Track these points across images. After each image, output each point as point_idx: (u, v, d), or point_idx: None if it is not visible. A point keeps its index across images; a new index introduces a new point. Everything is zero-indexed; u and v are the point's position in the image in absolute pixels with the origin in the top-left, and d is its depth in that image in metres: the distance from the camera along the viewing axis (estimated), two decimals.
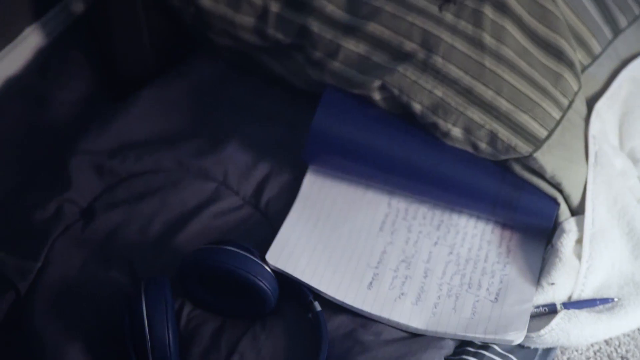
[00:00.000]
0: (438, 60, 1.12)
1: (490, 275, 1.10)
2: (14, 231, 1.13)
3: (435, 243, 1.14)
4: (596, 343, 1.13)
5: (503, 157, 1.11)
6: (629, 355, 1.12)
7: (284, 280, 1.07)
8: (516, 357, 1.05)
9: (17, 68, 1.32)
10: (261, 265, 1.04)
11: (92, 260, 1.11)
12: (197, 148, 1.21)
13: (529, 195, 1.12)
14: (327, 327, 1.04)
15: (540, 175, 1.11)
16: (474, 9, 1.14)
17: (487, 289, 1.09)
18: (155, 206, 1.15)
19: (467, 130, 1.10)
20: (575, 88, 1.14)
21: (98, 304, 1.07)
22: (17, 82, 1.31)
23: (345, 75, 1.15)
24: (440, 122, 1.11)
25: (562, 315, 1.04)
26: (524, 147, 1.09)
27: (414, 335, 1.06)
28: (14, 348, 1.06)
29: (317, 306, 1.05)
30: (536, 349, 1.07)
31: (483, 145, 1.11)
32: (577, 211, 1.12)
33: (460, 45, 1.12)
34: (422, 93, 1.11)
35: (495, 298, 1.08)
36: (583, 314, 1.04)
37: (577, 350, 1.13)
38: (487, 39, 1.12)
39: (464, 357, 1.04)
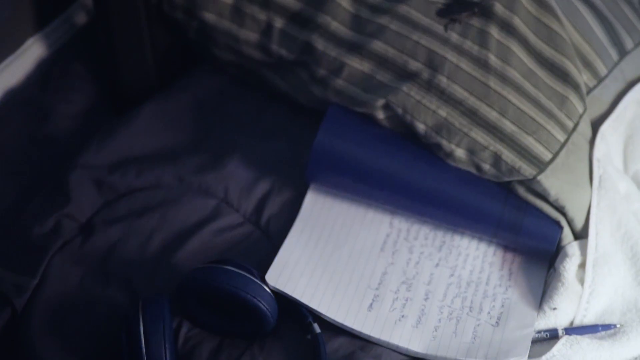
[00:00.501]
0: (443, 80, 1.11)
1: (492, 299, 1.09)
2: (12, 246, 1.12)
3: (437, 264, 1.12)
4: None
5: (507, 179, 1.10)
6: None
7: (284, 300, 1.06)
8: None
9: (19, 79, 1.31)
10: (260, 285, 1.03)
11: (90, 277, 1.10)
12: (198, 164, 1.20)
13: (532, 218, 1.10)
14: (326, 349, 1.03)
15: (544, 198, 1.10)
16: (480, 29, 1.13)
17: (489, 313, 1.08)
18: (155, 222, 1.14)
19: (471, 152, 1.09)
20: (581, 110, 1.13)
21: (95, 322, 1.06)
22: (18, 93, 1.30)
23: (348, 94, 1.14)
24: (444, 143, 1.10)
25: (564, 341, 1.03)
26: (528, 170, 1.08)
27: (413, 359, 1.04)
28: None
29: (317, 328, 1.04)
30: None
31: (487, 167, 1.10)
32: (581, 235, 1.11)
33: (465, 65, 1.11)
34: (426, 113, 1.10)
35: (497, 322, 1.06)
36: (585, 340, 1.03)
37: None
38: (493, 60, 1.11)
39: None
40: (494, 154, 1.09)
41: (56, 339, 1.04)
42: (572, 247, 1.09)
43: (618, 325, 1.06)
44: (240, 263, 1.04)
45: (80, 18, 1.39)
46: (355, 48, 1.15)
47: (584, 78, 1.17)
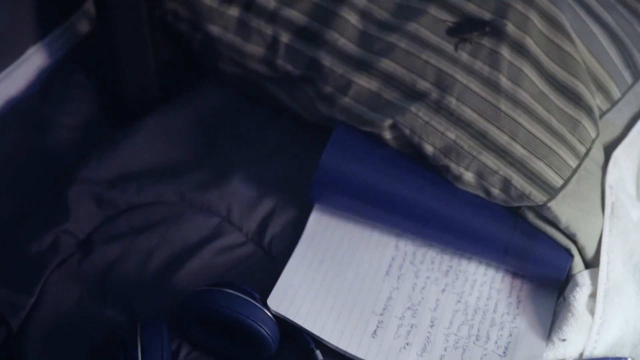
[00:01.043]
0: (452, 101, 1.08)
1: (499, 327, 1.06)
2: (9, 263, 1.10)
3: (443, 290, 1.10)
4: None
5: (516, 205, 1.08)
6: None
7: (286, 325, 1.03)
8: None
9: (19, 89, 1.28)
10: (262, 310, 1.01)
11: (88, 296, 1.07)
12: (201, 181, 1.17)
13: (541, 245, 1.08)
14: None
15: (554, 224, 1.07)
16: (491, 49, 1.10)
17: (496, 342, 1.05)
18: (155, 241, 1.12)
19: (480, 175, 1.07)
20: (593, 135, 1.10)
21: (92, 343, 1.04)
22: (17, 104, 1.27)
23: (355, 112, 1.11)
24: (452, 166, 1.07)
25: None
26: (538, 196, 1.05)
27: None
28: None
29: (319, 355, 1.02)
30: None
31: (496, 192, 1.07)
32: (592, 264, 1.08)
33: (475, 86, 1.08)
34: (434, 135, 1.07)
35: (504, 352, 1.04)
36: None
37: None
38: (504, 81, 1.09)
39: None
40: (504, 179, 1.06)
41: (52, 358, 1.02)
42: (583, 276, 1.06)
43: (629, 359, 1.03)
44: (241, 286, 1.02)
45: (83, 27, 1.36)
46: (362, 66, 1.12)
47: (596, 101, 1.14)
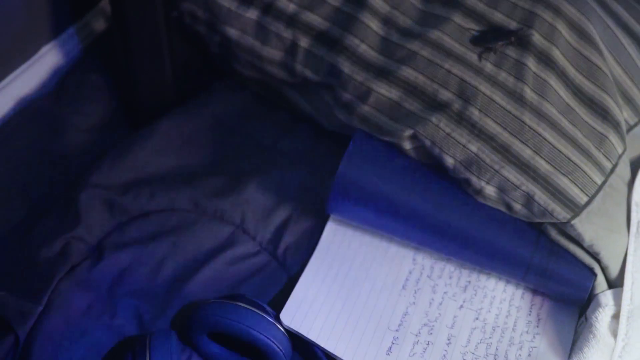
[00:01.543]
0: (474, 113, 1.05)
1: (518, 347, 1.03)
2: (18, 269, 1.07)
3: (461, 306, 1.07)
4: None
5: (538, 221, 1.04)
6: None
7: (298, 341, 1.01)
8: None
9: (32, 89, 1.26)
10: (274, 325, 0.98)
11: (97, 304, 1.05)
12: (215, 188, 1.15)
13: (563, 263, 1.04)
14: None
15: (578, 242, 1.04)
16: (516, 59, 1.07)
17: None
18: (167, 249, 1.09)
19: (502, 190, 1.03)
20: (620, 150, 1.06)
21: (100, 354, 1.01)
22: (30, 104, 1.24)
23: (374, 121, 1.08)
24: (474, 179, 1.04)
25: None
26: (561, 213, 1.02)
27: None
28: None
29: None
30: None
31: (518, 207, 1.04)
32: (615, 284, 1.05)
33: (499, 98, 1.05)
34: (455, 147, 1.04)
35: None
36: None
37: None
38: (529, 93, 1.05)
39: None
40: (526, 194, 1.03)
41: None
42: (606, 297, 1.03)
43: None
44: (253, 300, 1.00)
45: (99, 25, 1.33)
46: (383, 73, 1.09)
47: (624, 115, 1.10)
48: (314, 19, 1.14)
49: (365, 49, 1.11)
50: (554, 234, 1.05)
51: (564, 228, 1.04)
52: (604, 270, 1.05)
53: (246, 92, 1.25)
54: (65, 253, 1.08)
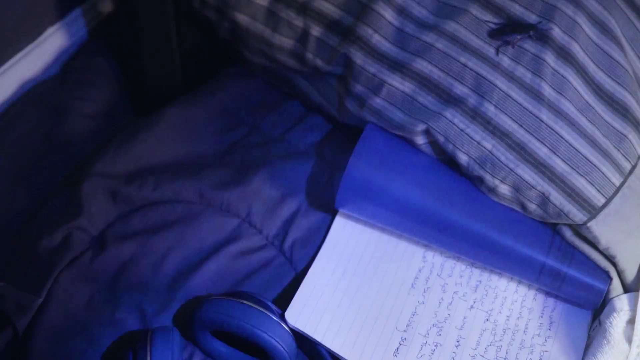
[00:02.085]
0: (490, 109, 1.01)
1: (529, 351, 1.01)
2: (18, 259, 1.05)
3: (471, 307, 1.04)
4: None
5: (553, 222, 1.01)
6: None
7: (303, 340, 0.98)
8: None
9: (36, 72, 1.24)
10: (279, 324, 0.96)
11: (98, 297, 1.02)
12: (221, 179, 1.12)
13: (578, 266, 1.01)
14: None
15: (593, 245, 1.01)
16: (535, 54, 1.03)
17: None
18: (171, 241, 1.07)
19: (516, 189, 1.00)
20: (639, 150, 1.03)
21: (101, 348, 0.99)
22: (34, 88, 1.22)
23: (386, 114, 1.05)
24: (487, 177, 1.01)
25: None
26: (577, 215, 0.99)
27: None
28: None
29: None
30: None
31: (532, 207, 1.01)
32: (631, 288, 1.02)
33: (516, 94, 1.02)
34: (469, 143, 1.01)
35: None
36: None
37: None
38: (547, 90, 1.02)
39: None
40: (542, 194, 0.99)
41: None
42: (621, 301, 1.00)
43: None
44: (257, 298, 0.97)
45: (105, 7, 1.30)
46: (396, 66, 1.06)
47: None
48: (327, 6, 1.10)
49: (378, 40, 1.07)
50: (569, 235, 1.02)
51: (579, 230, 1.01)
52: (619, 274, 1.02)
53: (255, 80, 1.22)
54: (66, 244, 1.05)
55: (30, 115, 1.18)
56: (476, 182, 1.03)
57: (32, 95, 1.21)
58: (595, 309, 1.03)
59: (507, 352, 1.01)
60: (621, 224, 1.01)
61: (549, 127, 1.01)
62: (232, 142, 1.16)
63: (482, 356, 1.00)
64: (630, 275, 1.02)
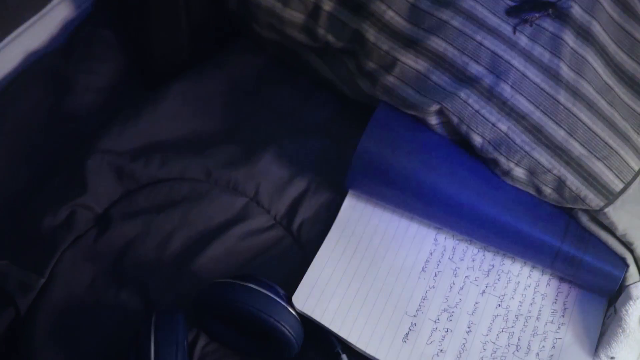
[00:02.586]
0: (506, 89, 0.98)
1: (542, 338, 0.98)
2: (21, 237, 1.03)
3: (483, 292, 1.02)
4: None
5: (569, 206, 0.99)
6: None
7: (311, 325, 0.96)
8: None
9: (40, 45, 1.21)
10: (285, 308, 0.94)
11: (102, 278, 1.01)
12: (229, 157, 1.09)
13: (594, 252, 0.99)
14: None
15: (610, 230, 0.98)
16: (553, 33, 1.00)
17: (537, 355, 0.97)
18: (177, 220, 1.05)
19: (532, 172, 0.98)
20: None
21: (104, 330, 0.98)
22: (39, 60, 1.19)
23: (399, 93, 1.02)
24: (502, 160, 0.98)
25: None
26: (594, 200, 0.96)
27: None
28: None
29: (345, 359, 0.95)
30: None
31: (548, 191, 0.98)
32: None
33: (533, 74, 0.99)
34: (484, 125, 0.98)
35: None
36: None
37: None
38: (565, 70, 0.99)
39: None
40: (558, 178, 0.97)
41: (61, 344, 0.97)
42: (637, 289, 0.97)
43: None
44: (264, 281, 0.95)
45: None
46: (410, 43, 1.03)
47: None
48: None
49: (392, 16, 1.04)
50: (585, 220, 0.99)
51: (596, 215, 0.98)
52: (636, 260, 0.99)
53: (264, 55, 1.19)
54: (70, 222, 1.04)
55: (35, 89, 1.16)
56: (490, 164, 1.00)
57: (36, 68, 1.18)
58: (610, 296, 1.01)
59: (519, 339, 0.98)
60: (639, 209, 0.98)
61: (567, 109, 0.98)
62: (240, 119, 1.14)
63: (494, 343, 0.98)
64: None
